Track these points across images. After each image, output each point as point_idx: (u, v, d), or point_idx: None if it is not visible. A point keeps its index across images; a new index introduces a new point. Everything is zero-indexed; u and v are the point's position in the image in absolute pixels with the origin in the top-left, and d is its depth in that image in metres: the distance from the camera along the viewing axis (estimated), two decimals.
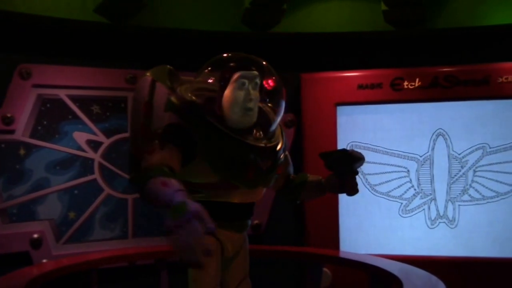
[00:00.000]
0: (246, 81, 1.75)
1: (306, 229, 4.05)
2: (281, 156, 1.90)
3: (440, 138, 3.97)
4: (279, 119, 1.89)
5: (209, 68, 1.85)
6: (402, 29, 3.99)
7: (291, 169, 2.13)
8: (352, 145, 4.06)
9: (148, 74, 1.85)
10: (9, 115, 3.50)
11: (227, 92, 1.75)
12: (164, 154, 1.64)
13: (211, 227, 1.27)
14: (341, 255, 3.39)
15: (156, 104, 1.78)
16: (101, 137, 3.82)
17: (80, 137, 3.73)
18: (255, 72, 1.78)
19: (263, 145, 1.79)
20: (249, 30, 3.98)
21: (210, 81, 1.82)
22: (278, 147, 1.87)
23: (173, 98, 1.77)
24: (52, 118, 3.66)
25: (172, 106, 1.75)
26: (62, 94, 3.70)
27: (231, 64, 1.79)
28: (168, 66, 1.87)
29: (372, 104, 4.01)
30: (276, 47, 4.24)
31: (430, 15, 3.91)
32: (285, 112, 4.59)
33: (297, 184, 2.07)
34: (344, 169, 1.91)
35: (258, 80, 1.79)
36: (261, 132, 1.83)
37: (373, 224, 3.99)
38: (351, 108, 4.04)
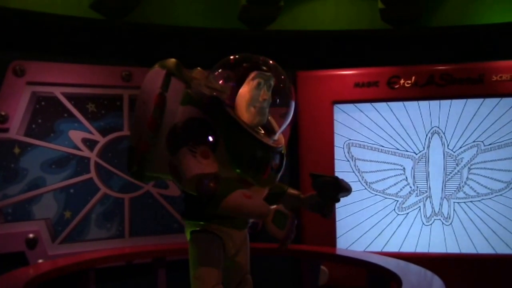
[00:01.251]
0: (262, 81, 1.78)
1: (303, 226, 4.06)
2: (285, 158, 1.93)
3: (436, 136, 4.01)
4: (289, 119, 1.91)
5: (220, 69, 1.86)
6: (399, 27, 4.01)
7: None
8: (348, 143, 4.07)
9: (159, 66, 1.82)
10: (3, 113, 3.45)
11: (243, 90, 1.77)
12: (215, 163, 1.68)
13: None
14: (338, 252, 3.42)
15: (170, 97, 1.77)
16: (96, 136, 3.78)
17: (76, 135, 3.69)
18: (270, 74, 1.81)
19: (274, 145, 1.82)
20: (246, 27, 3.97)
21: (220, 81, 1.83)
22: (284, 149, 1.91)
23: (189, 91, 1.77)
24: (47, 116, 3.61)
25: (191, 100, 1.75)
26: (57, 91, 3.65)
27: (247, 63, 1.81)
28: (176, 60, 1.85)
29: (368, 102, 4.03)
30: (272, 44, 4.23)
31: (426, 14, 3.93)
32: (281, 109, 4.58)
33: (275, 193, 2.08)
34: (329, 195, 1.97)
35: (272, 82, 1.82)
36: (263, 132, 1.86)
37: (369, 221, 4.01)
38: (347, 106, 4.06)
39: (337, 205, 3.94)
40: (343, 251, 3.47)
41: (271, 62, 1.86)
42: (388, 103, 4.02)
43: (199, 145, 1.66)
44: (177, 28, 3.89)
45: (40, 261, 3.40)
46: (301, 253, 3.37)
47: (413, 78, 3.97)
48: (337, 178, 1.98)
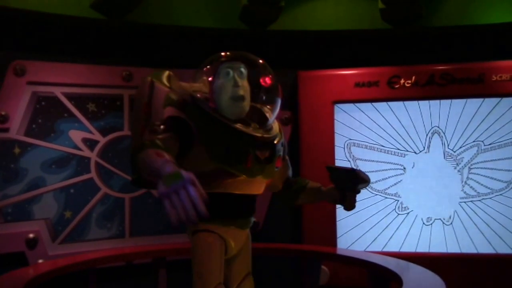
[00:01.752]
0: (230, 70, 1.80)
1: (304, 226, 4.06)
2: (280, 150, 1.91)
3: (436, 135, 4.01)
4: (275, 114, 1.93)
5: (205, 68, 1.90)
6: (399, 27, 4.01)
7: (290, 173, 2.15)
8: (349, 143, 4.07)
9: (148, 76, 1.91)
10: (3, 113, 3.44)
11: (215, 84, 1.81)
12: (164, 136, 1.70)
13: (203, 211, 1.25)
14: (339, 252, 3.41)
15: (155, 103, 1.83)
16: (97, 136, 3.78)
17: (76, 135, 3.69)
18: (238, 62, 1.84)
19: (260, 135, 1.82)
20: (247, 27, 3.97)
21: (199, 81, 1.89)
22: (276, 140, 1.89)
23: (171, 95, 1.82)
24: (47, 116, 3.61)
25: (171, 101, 1.80)
26: (58, 91, 3.65)
27: (218, 58, 1.86)
28: (168, 71, 1.94)
29: (369, 102, 4.03)
30: (273, 44, 4.24)
31: (427, 14, 3.94)
32: (282, 109, 4.60)
33: (296, 189, 2.10)
34: (348, 187, 1.95)
35: (243, 70, 1.84)
36: (258, 126, 1.87)
37: (370, 221, 4.01)
38: (348, 106, 4.06)
39: (337, 205, 3.98)
40: (343, 250, 3.47)
41: (249, 55, 1.90)
42: (389, 102, 4.02)
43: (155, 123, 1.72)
44: (178, 28, 3.89)
45: (40, 261, 3.39)
46: (301, 252, 3.36)
47: (414, 78, 3.98)
48: (353, 169, 1.97)
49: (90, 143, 3.75)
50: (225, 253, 1.88)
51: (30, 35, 3.65)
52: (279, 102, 1.92)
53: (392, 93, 3.99)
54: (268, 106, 1.94)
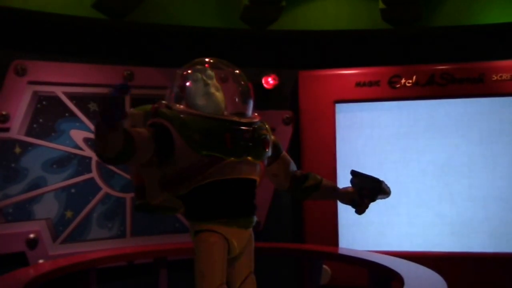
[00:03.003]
0: (198, 74, 1.92)
1: (305, 226, 4.06)
2: (262, 131, 1.95)
3: (437, 135, 4.01)
4: (251, 108, 2.00)
5: (184, 73, 2.00)
6: (400, 27, 4.02)
7: (293, 167, 2.16)
8: (350, 142, 4.06)
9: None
10: (4, 112, 3.44)
11: (189, 89, 1.92)
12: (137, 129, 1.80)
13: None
14: (341, 251, 3.41)
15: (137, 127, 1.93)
16: None
17: (77, 135, 3.68)
18: (204, 67, 1.96)
19: (237, 119, 1.89)
20: (248, 27, 3.97)
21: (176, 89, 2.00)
22: (255, 120, 1.96)
23: (147, 108, 1.98)
24: (48, 115, 3.61)
25: (148, 115, 1.94)
26: (59, 91, 3.65)
27: (188, 66, 2.00)
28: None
29: (370, 102, 4.03)
30: (274, 44, 4.24)
31: (427, 14, 3.94)
32: (284, 109, 4.58)
33: (309, 186, 2.12)
34: (368, 195, 2.04)
35: (210, 72, 1.95)
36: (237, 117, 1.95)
37: (371, 220, 4.00)
38: (349, 105, 4.06)
39: (339, 203, 3.96)
40: (345, 250, 3.46)
41: (213, 59, 2.01)
42: (390, 102, 4.02)
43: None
44: (179, 28, 3.89)
45: (40, 261, 3.38)
46: (303, 252, 3.36)
47: (414, 77, 3.98)
48: (379, 180, 2.03)
49: (91, 143, 3.74)
50: (228, 253, 1.88)
51: (30, 34, 3.64)
52: (251, 103, 2.01)
53: (393, 92, 4.00)
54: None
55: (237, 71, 2.01)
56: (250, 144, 1.87)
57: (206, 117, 1.84)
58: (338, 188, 2.15)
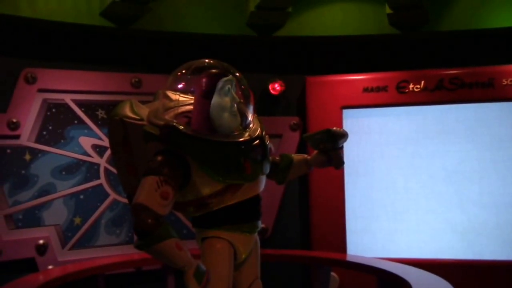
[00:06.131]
0: (229, 87, 1.80)
1: (313, 232, 4.03)
2: (268, 141, 1.92)
3: (446, 140, 3.96)
4: (250, 113, 1.91)
5: (189, 76, 1.87)
6: (407, 32, 4.00)
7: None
8: (357, 148, 4.03)
9: (112, 115, 1.90)
10: (14, 120, 3.49)
11: (215, 100, 1.78)
12: (168, 207, 1.68)
13: None
14: (349, 258, 3.38)
15: (133, 141, 1.83)
16: (106, 142, 3.79)
17: (86, 142, 3.72)
18: (232, 76, 1.84)
19: (248, 137, 1.82)
20: (255, 33, 3.98)
21: (183, 97, 1.86)
22: (263, 133, 1.91)
23: (147, 128, 1.79)
24: (57, 123, 3.65)
25: (151, 136, 1.77)
26: (68, 98, 3.69)
27: (211, 72, 1.82)
28: (129, 101, 1.92)
29: (377, 107, 4.01)
30: (281, 50, 4.25)
31: (434, 18, 3.92)
32: (291, 115, 4.57)
33: (284, 166, 2.12)
34: (329, 147, 2.05)
35: (234, 83, 1.84)
36: (241, 128, 1.87)
37: (379, 227, 3.97)
38: (356, 111, 4.04)
39: (347, 210, 3.96)
40: (353, 257, 3.43)
41: (228, 65, 1.89)
42: (398, 108, 3.99)
43: (166, 183, 1.65)
44: (186, 35, 3.92)
45: (50, 267, 3.42)
46: (311, 259, 3.34)
47: (422, 82, 3.95)
48: (328, 130, 2.03)
49: (100, 150, 3.77)
50: (234, 258, 1.88)
51: (40, 43, 3.70)
52: (251, 108, 1.94)
53: (401, 98, 3.96)
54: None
55: (238, 74, 1.91)
56: (262, 159, 1.85)
57: (223, 142, 1.75)
58: (308, 158, 2.14)
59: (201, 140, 1.73)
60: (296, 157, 2.16)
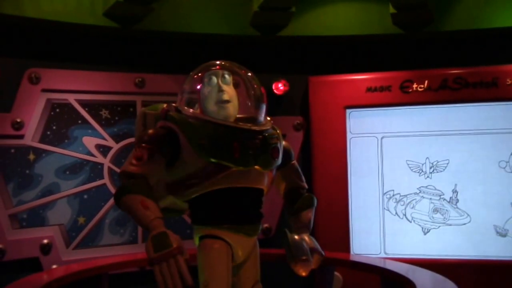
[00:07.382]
0: (214, 77, 1.86)
1: (316, 232, 4.02)
2: (273, 140, 1.89)
3: (450, 140, 3.95)
4: (263, 114, 1.93)
5: (195, 76, 1.95)
6: (411, 31, 3.99)
7: (298, 179, 2.17)
8: (362, 147, 4.03)
9: (141, 111, 2.09)
10: (18, 120, 3.50)
11: (201, 92, 1.87)
12: (151, 167, 1.74)
13: (189, 282, 1.46)
14: (352, 258, 3.37)
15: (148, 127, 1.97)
16: (110, 142, 3.81)
17: (90, 142, 3.73)
18: (220, 69, 1.89)
19: (247, 127, 1.82)
20: (258, 33, 3.98)
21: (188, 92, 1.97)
22: (266, 127, 1.89)
23: (146, 110, 2.03)
24: (61, 123, 3.66)
25: (157, 118, 1.94)
26: (71, 98, 3.70)
27: (204, 68, 1.93)
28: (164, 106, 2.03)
29: (381, 107, 4.00)
30: (284, 50, 4.25)
31: (438, 18, 3.91)
32: (294, 115, 4.57)
33: (295, 210, 2.17)
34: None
35: (227, 76, 1.88)
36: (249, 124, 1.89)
37: (383, 226, 3.97)
38: (360, 111, 4.04)
39: (351, 210, 3.96)
40: (357, 257, 3.43)
41: (230, 64, 1.94)
42: (401, 107, 3.98)
43: (144, 148, 1.74)
44: (190, 35, 3.92)
45: (54, 266, 3.42)
46: None
47: (426, 82, 3.94)
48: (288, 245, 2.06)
49: (103, 149, 3.78)
50: (232, 260, 1.84)
51: (44, 43, 3.71)
52: (263, 108, 1.95)
53: (405, 97, 3.96)
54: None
55: (250, 74, 1.94)
56: (259, 153, 1.82)
57: (216, 123, 1.79)
58: (289, 235, 2.12)
59: (194, 118, 1.81)
60: (304, 216, 2.18)
